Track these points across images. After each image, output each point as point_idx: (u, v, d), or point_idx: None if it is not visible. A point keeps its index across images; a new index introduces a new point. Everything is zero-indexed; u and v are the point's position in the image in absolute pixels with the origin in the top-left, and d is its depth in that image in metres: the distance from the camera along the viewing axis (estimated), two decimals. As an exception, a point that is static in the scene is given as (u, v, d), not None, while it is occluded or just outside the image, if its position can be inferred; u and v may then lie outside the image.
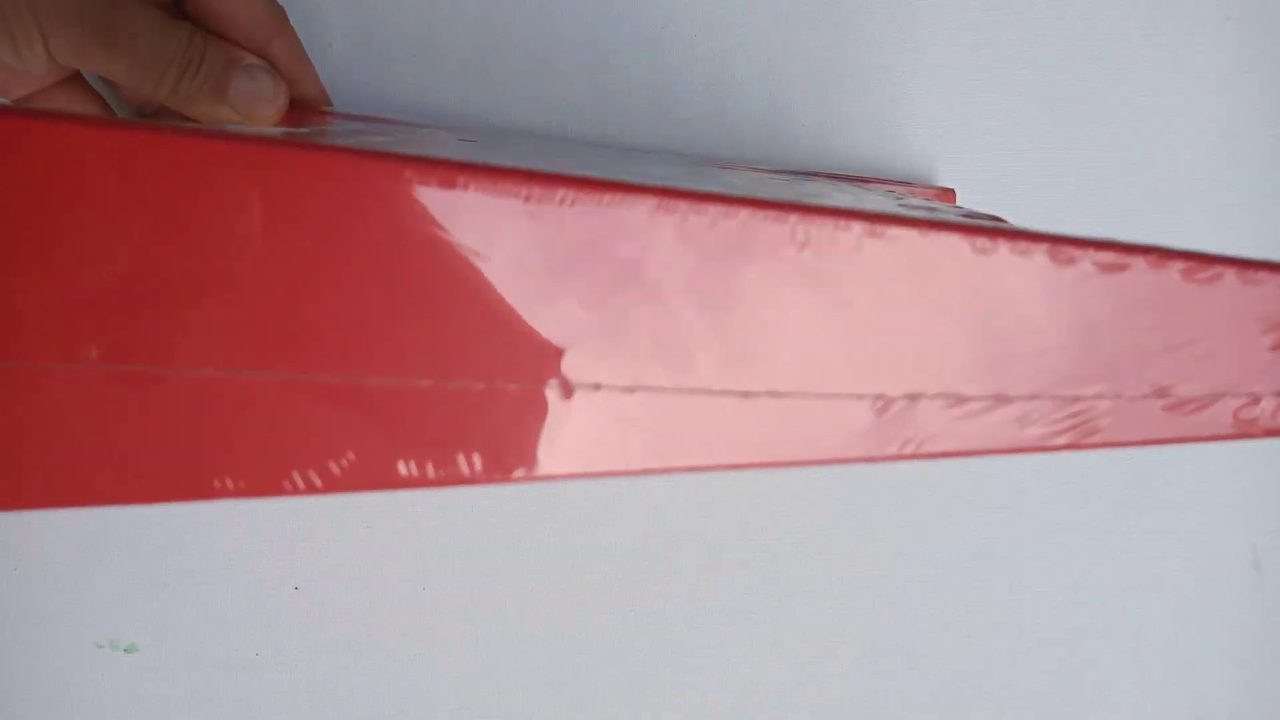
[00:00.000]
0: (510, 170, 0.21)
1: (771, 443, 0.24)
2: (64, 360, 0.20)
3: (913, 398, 0.24)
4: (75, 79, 0.36)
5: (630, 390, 0.23)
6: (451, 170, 0.21)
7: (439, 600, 0.47)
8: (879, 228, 0.23)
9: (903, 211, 0.26)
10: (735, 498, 0.48)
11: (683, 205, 0.22)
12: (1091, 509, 0.50)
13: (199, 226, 0.20)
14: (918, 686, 0.51)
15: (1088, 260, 0.24)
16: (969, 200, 0.46)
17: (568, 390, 0.22)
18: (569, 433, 0.23)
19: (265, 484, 0.22)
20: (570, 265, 0.22)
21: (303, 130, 0.33)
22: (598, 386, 0.23)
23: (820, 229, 0.23)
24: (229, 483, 0.22)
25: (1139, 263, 0.24)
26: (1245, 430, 0.27)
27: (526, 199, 0.21)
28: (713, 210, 0.22)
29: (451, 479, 0.22)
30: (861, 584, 0.49)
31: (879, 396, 0.24)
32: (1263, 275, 0.25)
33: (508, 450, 0.23)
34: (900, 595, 0.50)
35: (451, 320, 0.21)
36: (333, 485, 0.22)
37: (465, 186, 0.21)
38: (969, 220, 0.26)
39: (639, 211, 0.22)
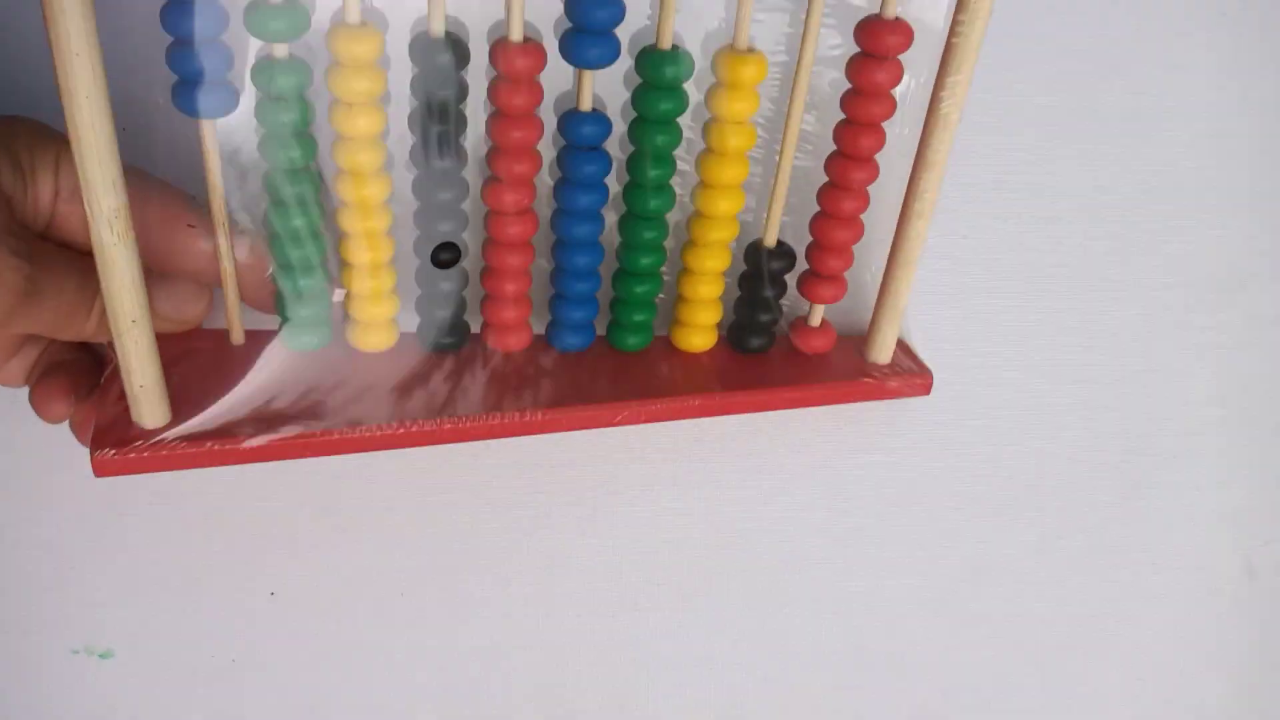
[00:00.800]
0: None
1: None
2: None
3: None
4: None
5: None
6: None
7: (416, 606, 0.46)
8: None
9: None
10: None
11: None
12: (1084, 520, 0.49)
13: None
14: (906, 698, 0.51)
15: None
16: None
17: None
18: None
19: None
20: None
21: None
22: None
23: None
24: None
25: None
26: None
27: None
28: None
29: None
30: (850, 595, 0.49)
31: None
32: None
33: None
34: (891, 608, 0.49)
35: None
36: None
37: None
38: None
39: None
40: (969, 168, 0.43)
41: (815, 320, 0.44)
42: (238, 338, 0.40)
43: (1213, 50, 0.43)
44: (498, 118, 0.36)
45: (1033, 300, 0.46)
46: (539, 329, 0.42)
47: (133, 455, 0.35)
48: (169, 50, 0.33)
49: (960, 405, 0.47)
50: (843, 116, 0.39)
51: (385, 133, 0.36)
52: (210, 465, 0.37)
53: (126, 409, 0.36)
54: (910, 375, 0.44)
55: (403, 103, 0.36)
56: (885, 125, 0.39)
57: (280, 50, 0.34)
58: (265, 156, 0.35)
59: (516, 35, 0.34)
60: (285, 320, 0.39)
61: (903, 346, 0.45)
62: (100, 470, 0.35)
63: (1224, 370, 0.47)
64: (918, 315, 0.45)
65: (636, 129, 0.38)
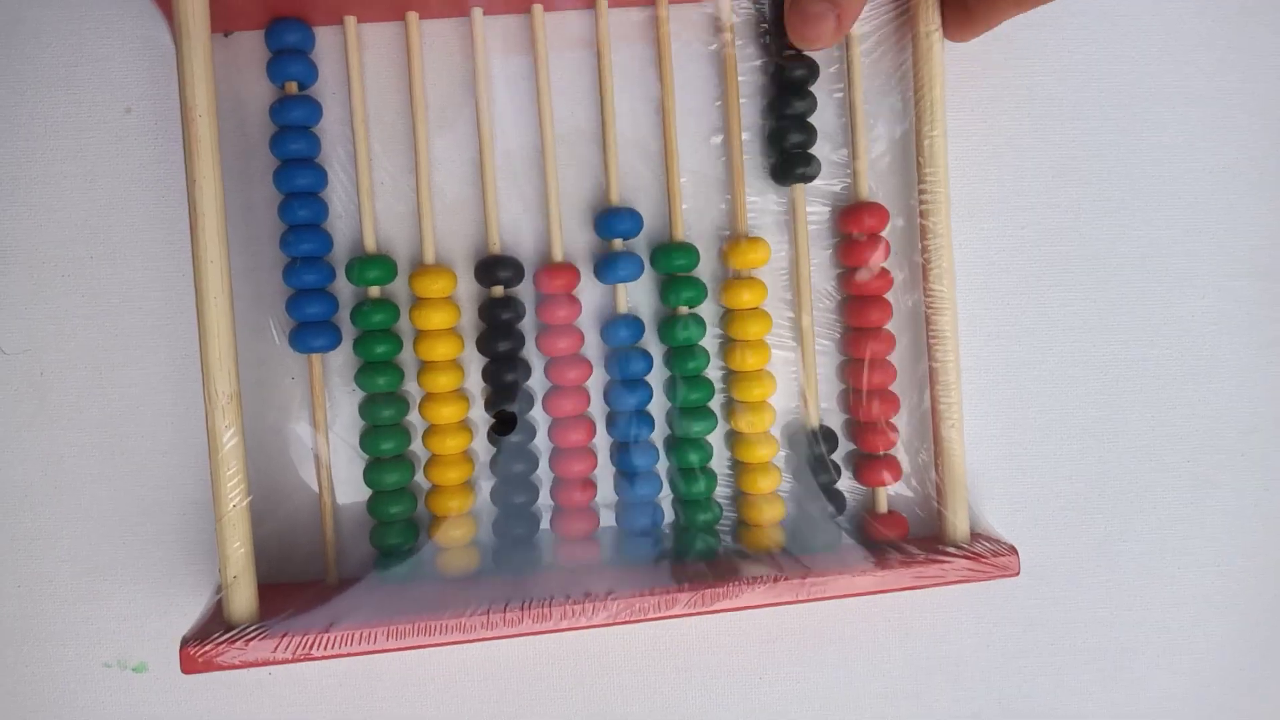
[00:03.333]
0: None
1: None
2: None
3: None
4: None
5: None
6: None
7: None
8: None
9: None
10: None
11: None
12: (1149, 520, 0.47)
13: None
14: (962, 707, 0.46)
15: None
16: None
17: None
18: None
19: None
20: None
21: None
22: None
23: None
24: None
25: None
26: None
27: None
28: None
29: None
30: None
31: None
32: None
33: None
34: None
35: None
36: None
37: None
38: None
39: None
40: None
41: (880, 506, 0.44)
42: (332, 578, 0.42)
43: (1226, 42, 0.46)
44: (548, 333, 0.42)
45: (1092, 292, 0.47)
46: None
47: (210, 647, 0.36)
48: (287, 301, 0.41)
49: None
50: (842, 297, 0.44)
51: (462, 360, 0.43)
52: (288, 661, 0.37)
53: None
54: (990, 557, 0.42)
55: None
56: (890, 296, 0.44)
57: (374, 292, 0.42)
58: (361, 386, 0.42)
59: (558, 256, 0.42)
60: (378, 547, 0.42)
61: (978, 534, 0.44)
62: (186, 667, 0.36)
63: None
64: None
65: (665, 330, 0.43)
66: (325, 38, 0.43)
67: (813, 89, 0.43)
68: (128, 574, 0.43)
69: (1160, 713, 0.47)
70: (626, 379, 0.43)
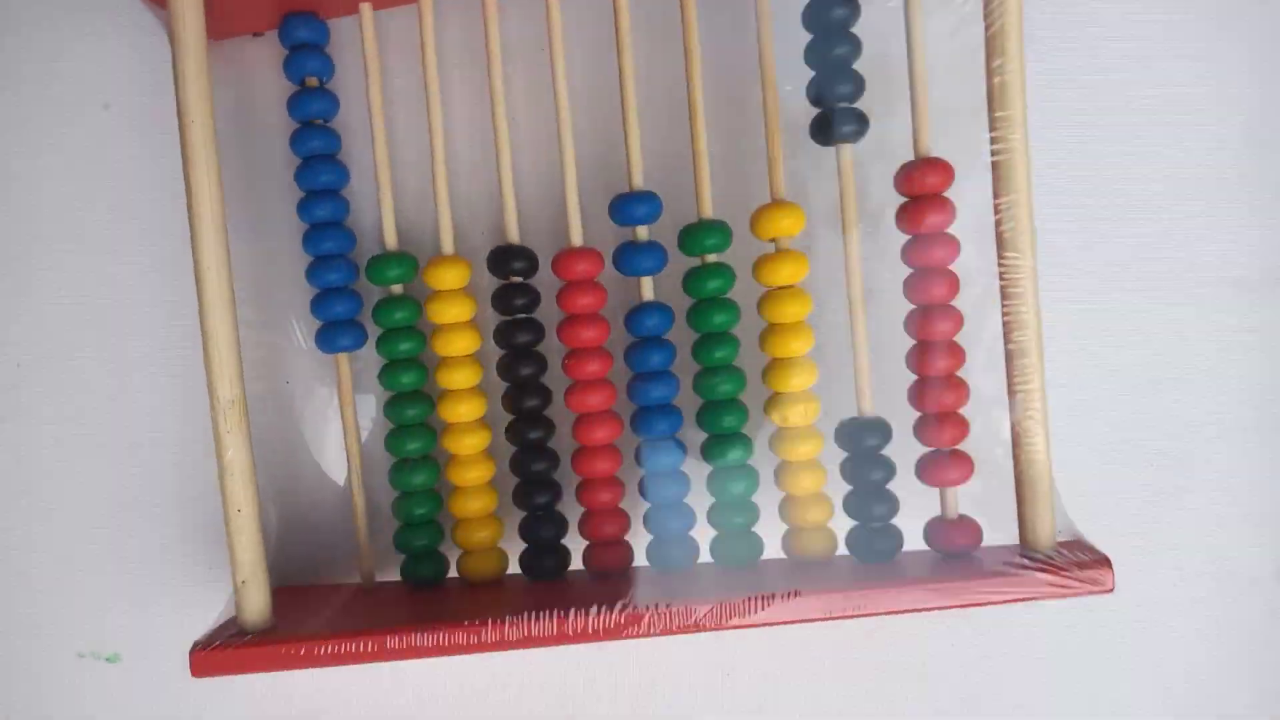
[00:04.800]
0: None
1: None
2: None
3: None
4: None
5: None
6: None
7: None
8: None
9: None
10: None
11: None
12: (1113, 522, 0.43)
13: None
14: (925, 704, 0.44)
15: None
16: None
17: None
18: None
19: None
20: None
21: None
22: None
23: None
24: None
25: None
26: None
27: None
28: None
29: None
30: None
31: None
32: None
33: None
34: None
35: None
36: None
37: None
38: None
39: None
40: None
41: (950, 511, 0.38)
42: (369, 581, 0.42)
43: (1246, 46, 0.42)
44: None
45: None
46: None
47: (219, 649, 0.36)
48: (312, 301, 0.41)
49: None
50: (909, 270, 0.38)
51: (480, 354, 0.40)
52: (300, 666, 0.36)
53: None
54: (1079, 567, 0.35)
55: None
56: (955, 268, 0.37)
57: (396, 289, 0.40)
58: (385, 385, 0.41)
59: (576, 240, 0.39)
60: (402, 550, 0.41)
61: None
62: (196, 668, 0.36)
63: (1257, 372, 0.43)
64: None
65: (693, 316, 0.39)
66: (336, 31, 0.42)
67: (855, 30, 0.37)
68: (102, 565, 0.44)
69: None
70: (650, 371, 0.39)
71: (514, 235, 0.40)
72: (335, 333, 0.41)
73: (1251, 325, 0.42)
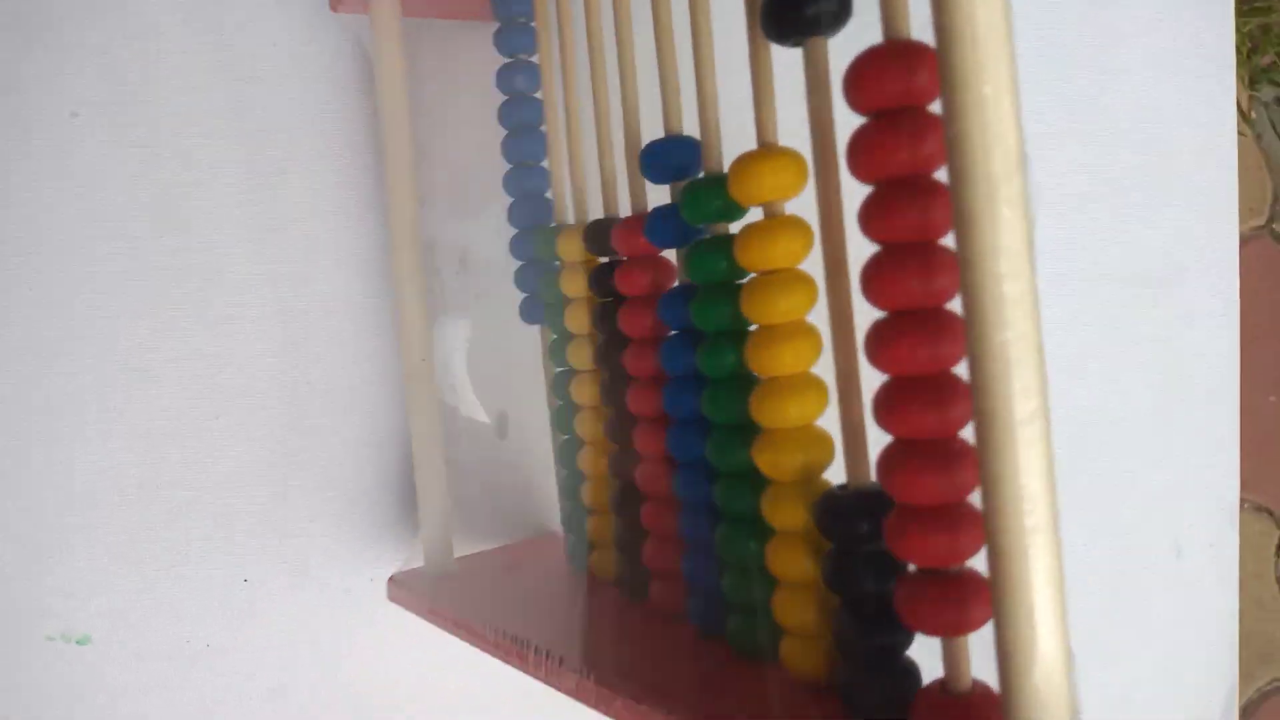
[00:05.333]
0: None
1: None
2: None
3: None
4: None
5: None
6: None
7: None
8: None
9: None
10: None
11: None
12: None
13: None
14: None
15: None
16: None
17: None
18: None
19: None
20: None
21: None
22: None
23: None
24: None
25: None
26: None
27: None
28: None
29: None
30: None
31: None
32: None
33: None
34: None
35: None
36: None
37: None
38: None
39: None
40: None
41: (960, 678, 0.21)
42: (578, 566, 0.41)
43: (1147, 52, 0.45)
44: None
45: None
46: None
47: (398, 588, 0.40)
48: (515, 272, 0.42)
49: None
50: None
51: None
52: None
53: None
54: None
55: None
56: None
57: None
58: (555, 361, 0.40)
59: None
60: (569, 534, 0.40)
61: None
62: (393, 595, 0.41)
63: (1156, 360, 0.46)
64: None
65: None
66: None
67: None
68: (70, 549, 0.43)
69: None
70: (677, 375, 0.30)
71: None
72: (539, 304, 0.41)
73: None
